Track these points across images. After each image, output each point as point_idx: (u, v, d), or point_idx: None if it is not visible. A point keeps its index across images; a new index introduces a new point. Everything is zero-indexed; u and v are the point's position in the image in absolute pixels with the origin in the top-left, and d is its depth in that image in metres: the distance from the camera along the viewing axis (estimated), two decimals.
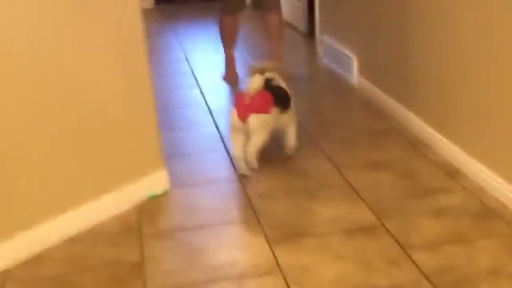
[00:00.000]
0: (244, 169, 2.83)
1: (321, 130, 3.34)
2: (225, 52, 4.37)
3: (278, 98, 2.86)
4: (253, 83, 2.77)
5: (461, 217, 2.39)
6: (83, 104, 2.34)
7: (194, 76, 4.41)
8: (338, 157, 2.97)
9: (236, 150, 2.82)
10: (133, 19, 2.43)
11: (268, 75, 2.91)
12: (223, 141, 3.23)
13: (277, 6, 4.28)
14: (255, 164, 2.84)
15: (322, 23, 4.60)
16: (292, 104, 2.99)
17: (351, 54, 3.98)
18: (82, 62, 2.31)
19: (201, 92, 4.04)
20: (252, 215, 2.50)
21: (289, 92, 3.00)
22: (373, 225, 2.37)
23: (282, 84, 3.00)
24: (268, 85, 2.85)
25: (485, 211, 2.42)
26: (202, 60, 4.84)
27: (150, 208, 2.58)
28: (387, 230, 2.33)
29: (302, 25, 5.38)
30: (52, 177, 2.32)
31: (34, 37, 2.15)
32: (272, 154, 3.06)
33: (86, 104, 2.35)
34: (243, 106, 2.75)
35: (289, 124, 2.99)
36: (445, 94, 2.87)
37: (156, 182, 2.65)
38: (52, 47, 2.20)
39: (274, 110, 2.82)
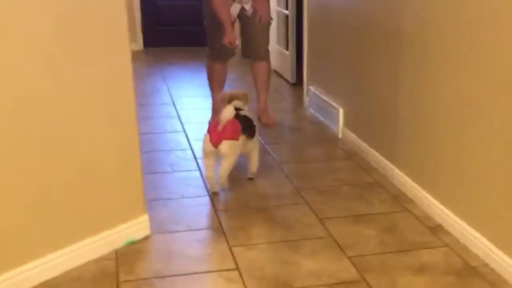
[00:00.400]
0: (215, 188, 3.14)
1: (304, 180, 3.33)
2: (212, 97, 4.39)
3: (246, 126, 3.21)
4: (226, 114, 3.08)
5: (442, 274, 2.38)
6: (66, 147, 2.32)
7: (180, 120, 4.41)
8: (321, 208, 2.96)
9: (208, 171, 3.14)
10: (123, 63, 2.44)
11: (237, 104, 3.27)
12: (206, 187, 3.21)
13: (265, 55, 4.34)
14: (226, 185, 3.15)
15: (310, 74, 4.66)
16: (256, 132, 3.36)
17: (337, 106, 4.02)
18: (68, 104, 2.30)
19: (186, 137, 4.03)
20: (233, 264, 2.46)
21: (254, 121, 3.37)
22: (354, 280, 2.35)
23: (248, 113, 3.36)
24: (237, 114, 3.16)
25: (467, 270, 2.41)
26: (189, 104, 4.86)
27: (129, 253, 2.54)
28: (369, 285, 2.31)
29: (289, 74, 5.45)
30: (32, 221, 2.27)
31: (21, 82, 2.14)
32: (254, 203, 3.05)
33: (68, 147, 2.33)
34: (216, 133, 3.06)
35: (253, 150, 3.32)
36: (428, 150, 2.89)
37: (137, 227, 2.61)
38: (38, 89, 2.20)
39: (242, 137, 3.15)
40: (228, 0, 4.03)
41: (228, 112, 3.07)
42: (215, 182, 3.13)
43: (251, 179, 3.33)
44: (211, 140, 3.06)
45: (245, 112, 3.34)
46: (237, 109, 3.21)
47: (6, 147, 2.14)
